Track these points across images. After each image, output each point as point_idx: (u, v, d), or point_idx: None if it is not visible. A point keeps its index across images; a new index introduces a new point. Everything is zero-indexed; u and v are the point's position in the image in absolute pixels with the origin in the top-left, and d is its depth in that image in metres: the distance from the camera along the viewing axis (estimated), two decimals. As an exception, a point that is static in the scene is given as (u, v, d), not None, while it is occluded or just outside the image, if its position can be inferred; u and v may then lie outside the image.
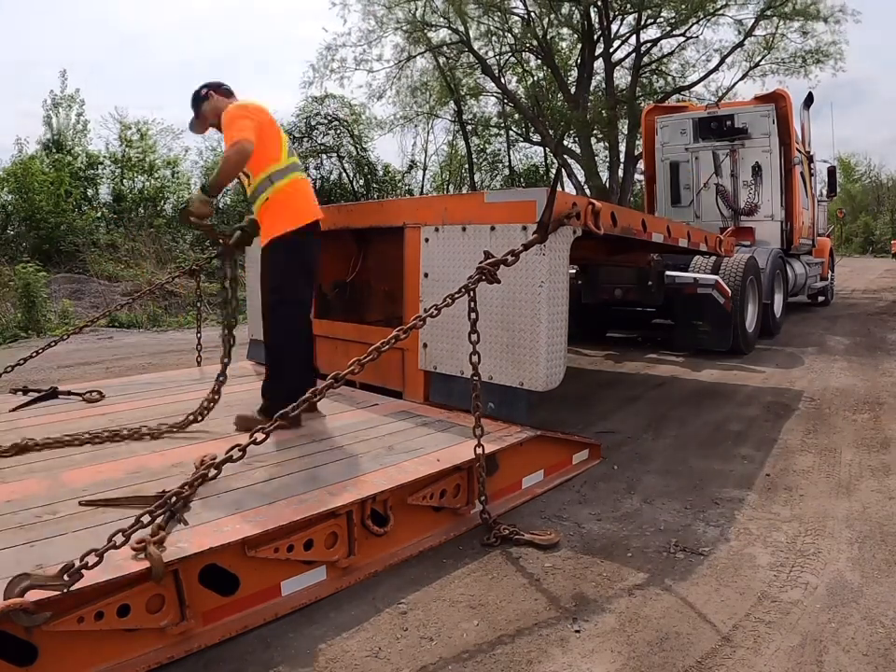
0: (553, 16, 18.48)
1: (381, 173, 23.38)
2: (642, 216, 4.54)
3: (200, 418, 3.40)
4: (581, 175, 19.28)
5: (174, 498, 2.05)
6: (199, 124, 3.62)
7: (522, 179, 27.13)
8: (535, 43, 18.79)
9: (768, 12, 16.36)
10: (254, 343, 5.51)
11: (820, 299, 11.95)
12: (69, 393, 4.18)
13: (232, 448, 2.16)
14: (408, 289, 4.00)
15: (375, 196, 21.61)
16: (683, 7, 16.36)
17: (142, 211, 17.31)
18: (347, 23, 19.84)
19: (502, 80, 20.14)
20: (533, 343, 3.31)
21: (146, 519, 1.93)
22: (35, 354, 4.57)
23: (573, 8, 18.12)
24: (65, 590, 1.69)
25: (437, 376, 3.85)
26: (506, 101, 21.05)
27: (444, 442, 3.10)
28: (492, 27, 19.07)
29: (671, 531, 2.81)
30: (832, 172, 11.91)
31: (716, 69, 18.20)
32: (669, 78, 19.39)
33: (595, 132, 19.30)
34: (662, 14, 17.28)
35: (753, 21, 16.79)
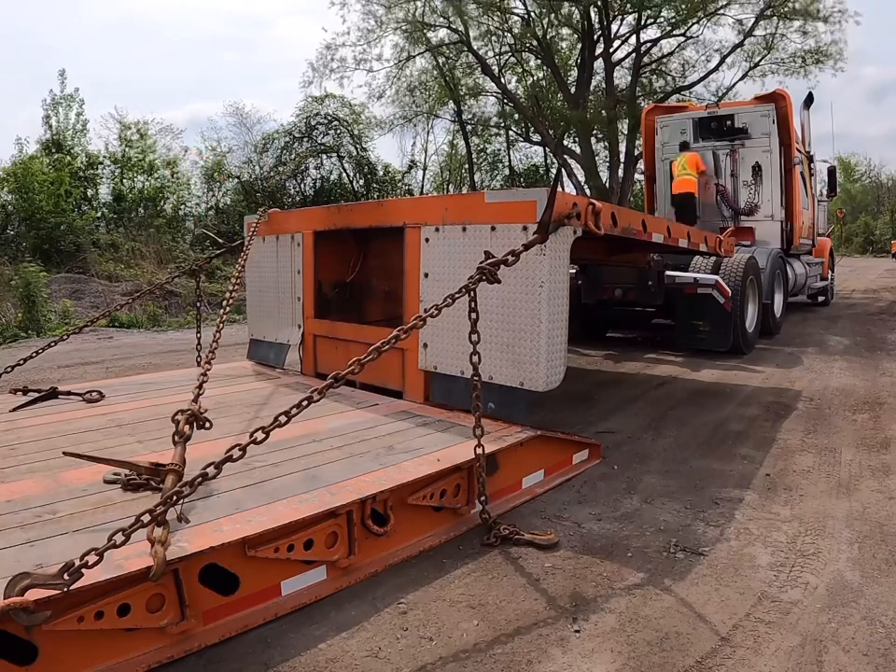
0: (552, 16, 18.49)
1: (381, 173, 23.38)
2: (642, 216, 4.54)
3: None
4: (581, 175, 19.30)
5: (174, 497, 2.05)
6: None
7: (522, 179, 27.12)
8: (535, 43, 18.81)
9: (768, 12, 16.38)
10: (254, 343, 5.52)
11: (820, 299, 11.95)
12: (69, 393, 4.18)
13: (232, 448, 2.16)
14: (408, 289, 4.00)
15: (375, 196, 21.61)
16: (683, 6, 16.37)
17: (142, 211, 17.32)
18: (346, 22, 19.92)
19: (502, 80, 20.15)
20: (533, 344, 3.31)
21: (146, 518, 1.93)
22: (34, 354, 4.57)
23: (573, 8, 18.13)
24: (65, 589, 1.69)
25: (437, 376, 3.85)
26: (506, 101, 21.05)
27: (444, 442, 3.10)
28: (491, 27, 19.09)
29: (671, 531, 2.81)
30: (832, 172, 11.92)
31: (716, 69, 18.26)
32: (669, 78, 19.42)
33: (594, 132, 19.32)
34: (662, 14, 17.29)
35: (753, 20, 16.82)
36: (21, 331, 9.22)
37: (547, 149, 24.18)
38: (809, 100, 9.75)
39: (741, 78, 17.99)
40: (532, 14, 18.67)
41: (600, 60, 18.72)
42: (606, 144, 20.20)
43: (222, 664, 1.94)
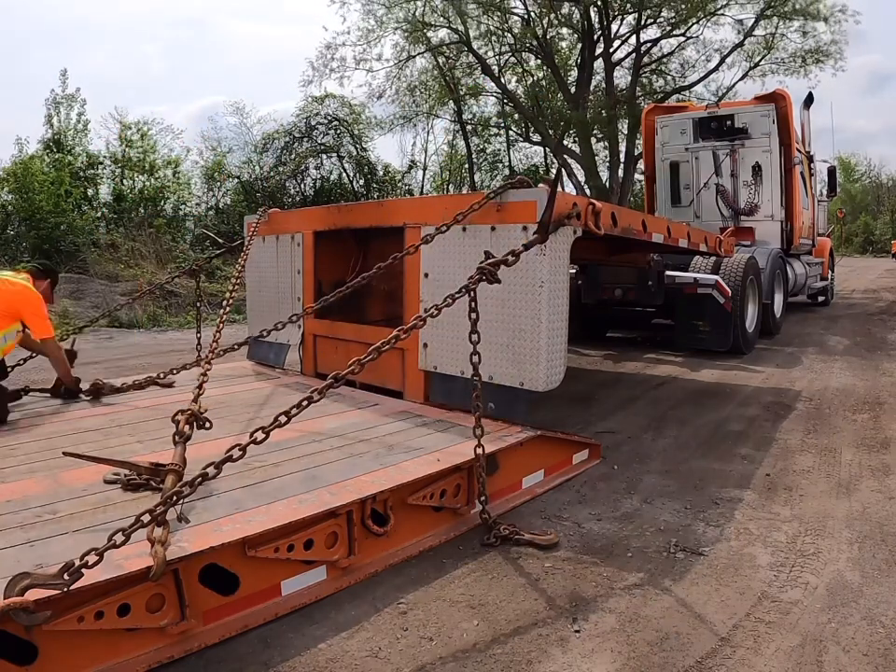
0: (552, 16, 18.48)
1: (381, 173, 23.36)
2: (642, 216, 4.54)
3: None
4: (581, 175, 19.29)
5: (174, 497, 2.05)
6: None
7: (522, 179, 27.03)
8: (535, 43, 18.79)
9: (768, 12, 16.37)
10: (254, 343, 5.51)
11: (820, 299, 11.95)
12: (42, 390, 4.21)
13: (232, 448, 2.16)
14: (408, 289, 4.00)
15: (375, 196, 21.60)
16: (683, 6, 16.36)
17: (142, 211, 17.31)
18: (346, 22, 19.95)
19: (502, 80, 20.13)
20: (533, 344, 3.31)
21: (146, 518, 1.93)
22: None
23: (573, 8, 18.13)
24: (65, 589, 1.69)
25: (437, 376, 3.85)
26: (506, 101, 21.03)
27: (444, 442, 3.10)
28: (492, 27, 19.07)
29: (671, 531, 2.81)
30: (832, 172, 11.92)
31: (716, 69, 18.24)
32: (669, 78, 19.40)
33: (594, 132, 19.30)
34: (662, 14, 17.29)
35: (753, 20, 16.81)
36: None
37: (547, 149, 24.16)
38: (809, 100, 9.75)
39: (741, 78, 18.00)
40: (532, 14, 18.66)
41: (600, 60, 18.70)
42: (606, 144, 20.17)
43: (222, 664, 1.94)
